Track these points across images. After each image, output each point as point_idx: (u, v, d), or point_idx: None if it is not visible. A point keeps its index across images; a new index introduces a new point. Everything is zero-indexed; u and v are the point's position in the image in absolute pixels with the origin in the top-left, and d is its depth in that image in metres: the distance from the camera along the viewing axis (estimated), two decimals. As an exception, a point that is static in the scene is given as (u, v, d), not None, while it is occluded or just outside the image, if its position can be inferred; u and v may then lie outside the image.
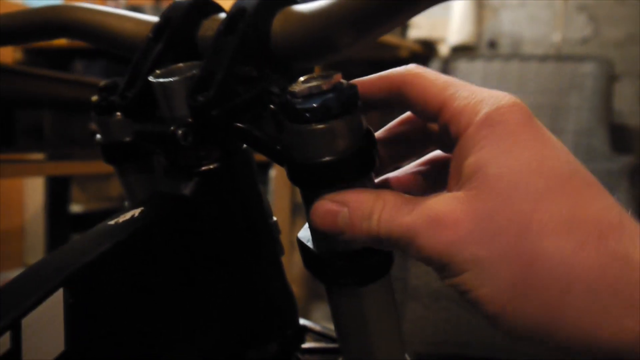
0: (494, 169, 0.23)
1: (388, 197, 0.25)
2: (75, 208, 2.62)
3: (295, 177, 0.26)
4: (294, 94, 0.25)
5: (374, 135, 0.27)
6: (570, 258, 0.21)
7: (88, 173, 1.72)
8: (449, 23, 2.67)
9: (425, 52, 2.65)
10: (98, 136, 0.36)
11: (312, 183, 0.26)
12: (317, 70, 0.28)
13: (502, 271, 0.22)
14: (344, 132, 0.25)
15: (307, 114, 0.24)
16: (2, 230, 2.43)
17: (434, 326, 1.65)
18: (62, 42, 2.65)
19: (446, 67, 2.33)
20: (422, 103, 0.26)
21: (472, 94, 0.25)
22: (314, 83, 0.25)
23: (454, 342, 1.65)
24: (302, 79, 0.25)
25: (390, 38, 2.37)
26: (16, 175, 1.72)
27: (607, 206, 0.22)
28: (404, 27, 2.66)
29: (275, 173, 1.93)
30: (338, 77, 0.25)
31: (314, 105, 0.24)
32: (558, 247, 0.21)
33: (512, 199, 0.22)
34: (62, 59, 2.62)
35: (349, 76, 0.27)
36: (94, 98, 0.35)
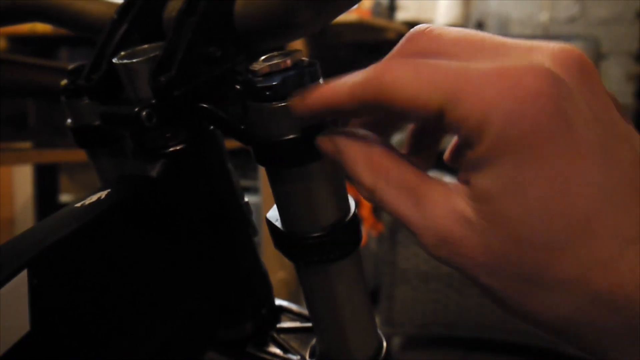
0: (509, 206, 0.19)
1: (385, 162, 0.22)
2: (65, 198, 2.61)
3: (259, 156, 0.26)
4: (254, 73, 0.25)
5: None
6: None
7: (75, 161, 1.71)
8: (436, 4, 2.66)
9: (412, 34, 2.63)
10: (69, 120, 0.36)
11: (276, 161, 0.26)
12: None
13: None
14: None
15: (268, 92, 0.24)
16: (-9, 221, 2.41)
17: (423, 308, 1.67)
18: (46, 29, 2.62)
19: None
20: (411, 115, 0.21)
21: (479, 88, 0.19)
22: (274, 61, 0.25)
23: (443, 323, 1.67)
24: (263, 57, 0.25)
25: (377, 20, 2.35)
26: (2, 163, 1.71)
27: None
28: (391, 9, 2.65)
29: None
30: (299, 55, 0.25)
31: (274, 83, 0.24)
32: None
33: (526, 247, 0.19)
34: (47, 47, 2.59)
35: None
36: (63, 82, 0.35)
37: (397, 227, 1.66)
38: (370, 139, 0.23)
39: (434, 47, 0.22)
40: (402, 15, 2.67)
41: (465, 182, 0.20)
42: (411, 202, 0.21)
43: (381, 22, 2.39)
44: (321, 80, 0.26)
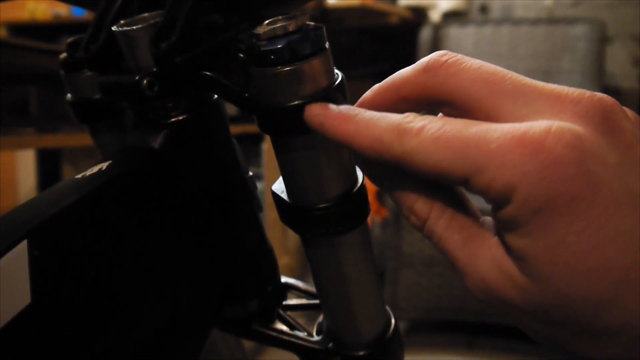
0: (546, 265, 0.19)
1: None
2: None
3: (264, 124, 0.26)
4: (258, 37, 0.24)
5: (345, 82, 0.26)
6: None
7: (77, 146, 1.71)
8: (439, -11, 2.63)
9: (415, 18, 2.62)
10: (68, 95, 0.35)
11: (281, 129, 0.25)
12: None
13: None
14: (312, 75, 0.24)
15: (272, 56, 0.23)
16: (-5, 210, 2.42)
17: (427, 293, 1.66)
18: (47, 17, 2.61)
19: (437, 34, 2.30)
20: (435, 179, 0.21)
21: (502, 157, 0.19)
22: (279, 24, 0.24)
23: (447, 308, 1.67)
24: (267, 21, 0.25)
25: (380, 5, 2.33)
26: (5, 148, 1.71)
27: None
28: (394, -6, 2.62)
29: (268, 146, 1.92)
30: (305, 19, 0.25)
31: (279, 46, 0.23)
32: None
33: (569, 302, 0.19)
34: (47, 34, 2.57)
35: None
36: (62, 56, 0.34)
37: (401, 212, 1.65)
38: None
39: (452, 85, 0.22)
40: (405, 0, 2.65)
41: (502, 238, 0.21)
42: (461, 241, 0.22)
43: (384, 6, 2.37)
44: (327, 45, 0.25)
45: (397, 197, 0.24)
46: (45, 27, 2.62)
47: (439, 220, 0.23)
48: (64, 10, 2.56)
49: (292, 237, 1.87)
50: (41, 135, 1.39)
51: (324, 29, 0.25)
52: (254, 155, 2.09)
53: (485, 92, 0.21)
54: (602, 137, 0.19)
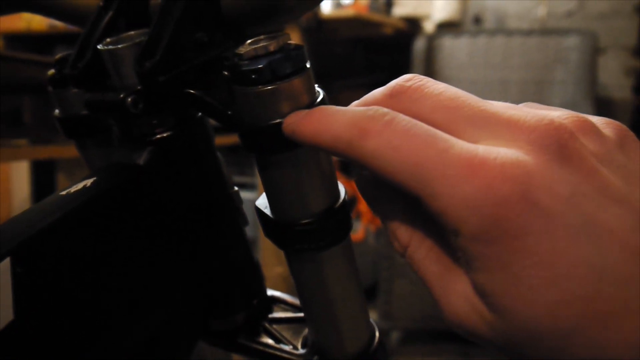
0: (508, 300, 0.19)
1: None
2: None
3: (247, 142, 0.26)
4: (240, 56, 0.24)
5: (326, 98, 0.27)
6: None
7: (71, 157, 1.71)
8: (433, 0, 2.65)
9: (410, 29, 2.63)
10: (56, 111, 0.36)
11: (264, 147, 0.26)
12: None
13: None
14: (293, 94, 0.24)
15: (254, 76, 0.24)
16: (-11, 220, 2.41)
17: (422, 302, 1.66)
18: (42, 27, 2.61)
19: (431, 44, 2.32)
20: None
21: (453, 186, 0.19)
22: (260, 44, 0.24)
23: (442, 317, 1.67)
24: (249, 41, 0.25)
25: (374, 15, 2.35)
26: (-1, 160, 1.71)
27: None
28: (389, 5, 2.64)
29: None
30: (286, 38, 0.25)
31: (260, 66, 0.24)
32: None
33: (537, 336, 0.19)
34: (42, 44, 2.58)
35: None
36: (50, 72, 0.35)
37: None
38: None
39: (414, 111, 0.22)
40: (399, 10, 2.66)
41: (468, 274, 0.21)
42: (437, 272, 0.23)
43: (378, 17, 2.39)
44: (308, 64, 0.25)
45: (384, 221, 0.25)
46: (41, 37, 2.62)
47: (418, 249, 0.23)
48: (59, 20, 2.56)
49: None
50: (35, 146, 1.39)
51: (305, 48, 0.25)
52: (247, 165, 2.10)
53: (444, 118, 0.21)
54: (557, 167, 0.19)
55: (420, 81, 0.23)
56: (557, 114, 0.21)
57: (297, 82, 0.24)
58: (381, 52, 2.82)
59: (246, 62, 0.24)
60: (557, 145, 0.19)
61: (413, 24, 2.68)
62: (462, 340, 1.75)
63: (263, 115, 0.25)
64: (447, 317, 0.22)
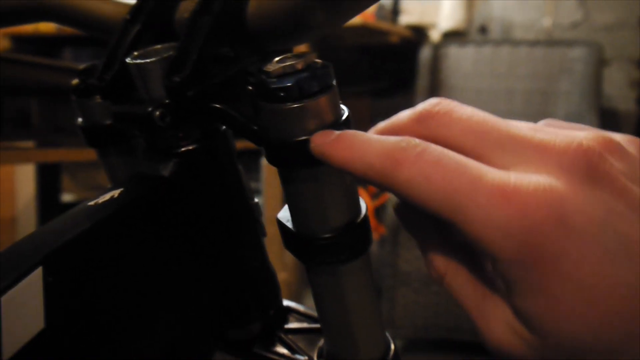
0: (550, 324, 0.20)
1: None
2: (67, 197, 2.62)
3: (272, 157, 0.27)
4: (268, 74, 0.25)
5: (350, 116, 0.27)
6: None
7: (77, 160, 1.71)
8: (439, 9, 2.66)
9: (415, 38, 2.64)
10: (79, 119, 0.36)
11: (288, 162, 0.26)
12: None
13: None
14: (319, 111, 0.25)
15: (282, 93, 0.24)
16: (-7, 220, 2.42)
17: (424, 311, 1.66)
18: (50, 29, 2.62)
19: (437, 53, 2.33)
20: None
21: (486, 212, 0.19)
22: (288, 62, 0.25)
23: (444, 326, 1.67)
24: (276, 59, 0.26)
25: (380, 24, 2.36)
26: (5, 162, 1.71)
27: None
28: (395, 13, 2.65)
29: (267, 162, 1.92)
30: (312, 57, 0.26)
31: (288, 84, 0.24)
32: None
33: (581, 356, 0.20)
34: (50, 46, 2.59)
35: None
36: (74, 82, 0.35)
37: (399, 230, 1.66)
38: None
39: (443, 136, 0.22)
40: (405, 18, 2.67)
41: (508, 300, 0.21)
42: (476, 301, 0.23)
43: (385, 25, 2.40)
44: (334, 82, 0.26)
45: (421, 250, 0.26)
46: (48, 39, 2.63)
47: (455, 278, 0.24)
48: (67, 23, 2.57)
49: (290, 254, 1.87)
50: (42, 149, 1.40)
51: (331, 67, 0.26)
52: (254, 170, 2.10)
53: (474, 142, 0.22)
54: (589, 189, 0.19)
55: (447, 105, 0.23)
56: (583, 135, 0.21)
57: (323, 100, 0.25)
58: (387, 60, 2.83)
59: (274, 79, 0.25)
60: (588, 168, 0.20)
61: (419, 33, 2.69)
62: (464, 350, 1.75)
63: (289, 131, 0.25)
64: (488, 342, 0.22)
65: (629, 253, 0.19)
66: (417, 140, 0.22)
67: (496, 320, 0.22)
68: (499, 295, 0.22)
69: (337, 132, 0.24)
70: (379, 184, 0.23)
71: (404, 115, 0.24)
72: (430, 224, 0.25)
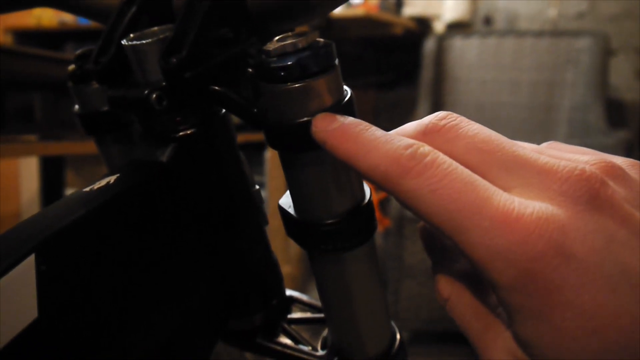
0: (550, 353, 0.20)
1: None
2: (71, 192, 2.62)
3: (272, 139, 0.26)
4: (268, 53, 0.24)
5: (354, 98, 0.26)
6: None
7: (81, 153, 1.71)
8: (443, 0, 2.64)
9: (419, 29, 2.63)
10: (76, 107, 0.35)
11: (290, 145, 0.25)
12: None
13: None
14: (321, 92, 0.24)
15: (282, 73, 0.23)
16: (-2, 215, 2.42)
17: (429, 303, 1.66)
18: (52, 24, 2.62)
19: (441, 44, 2.31)
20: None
21: (488, 237, 0.19)
22: (289, 41, 0.24)
23: (449, 319, 1.66)
24: (277, 38, 0.25)
25: (384, 15, 2.34)
26: (9, 155, 1.71)
27: None
28: (399, 4, 2.63)
29: (270, 154, 1.92)
30: (314, 36, 0.25)
31: (289, 63, 0.23)
32: None
33: None
34: (52, 41, 2.59)
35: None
36: (71, 67, 0.35)
37: (403, 222, 1.65)
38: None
39: (447, 151, 0.22)
40: (409, 10, 2.65)
41: (510, 327, 0.21)
42: (478, 328, 0.23)
43: (388, 17, 2.38)
44: (336, 62, 0.25)
45: (433, 272, 0.26)
46: (51, 34, 2.63)
47: (458, 302, 0.24)
48: (69, 17, 2.57)
49: (294, 246, 1.87)
50: (45, 142, 1.40)
51: (334, 45, 0.25)
52: (257, 164, 2.10)
53: (477, 160, 0.22)
54: (590, 217, 0.19)
55: (453, 120, 0.23)
56: (586, 159, 0.21)
57: (325, 80, 0.24)
58: (391, 52, 2.82)
59: (274, 59, 0.24)
60: (589, 195, 0.19)
61: (423, 24, 2.67)
62: (468, 343, 1.74)
63: (290, 113, 0.24)
64: None
65: (630, 282, 0.18)
66: (427, 148, 0.21)
67: (497, 347, 0.22)
68: (500, 322, 0.22)
69: (340, 119, 0.23)
70: (381, 187, 0.22)
71: (410, 127, 0.24)
72: (442, 246, 0.26)
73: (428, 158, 0.21)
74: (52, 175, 2.29)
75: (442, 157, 0.21)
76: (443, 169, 0.20)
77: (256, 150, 1.99)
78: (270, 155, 1.91)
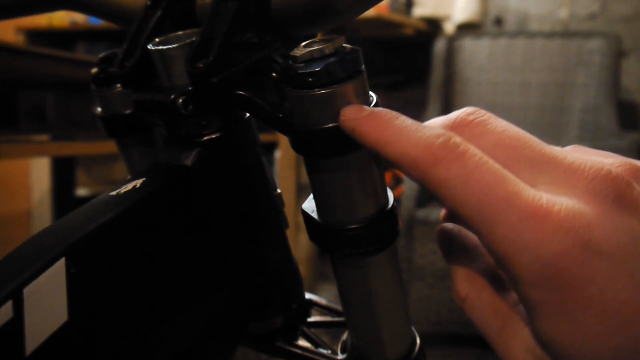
0: (570, 349, 0.20)
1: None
2: (81, 192, 2.63)
3: (298, 144, 0.26)
4: (295, 59, 0.24)
5: (380, 104, 0.26)
6: None
7: (92, 154, 1.72)
8: (454, 1, 2.64)
9: (430, 30, 2.62)
10: (98, 109, 0.36)
11: (315, 151, 0.25)
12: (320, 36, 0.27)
13: None
14: (347, 97, 0.24)
15: (310, 79, 0.24)
16: (9, 215, 2.44)
17: (439, 305, 1.66)
18: (64, 24, 2.64)
19: (451, 45, 2.30)
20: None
21: (514, 231, 0.19)
22: (315, 47, 0.24)
23: (459, 321, 1.66)
24: (303, 43, 0.25)
25: (394, 16, 2.34)
26: (20, 155, 1.72)
27: None
28: (409, 5, 2.63)
29: (281, 154, 1.92)
30: (341, 41, 0.25)
31: (317, 69, 0.23)
32: None
33: None
34: (64, 41, 2.60)
35: None
36: (94, 70, 0.35)
37: (413, 224, 1.64)
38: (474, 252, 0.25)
39: (475, 145, 0.22)
40: (419, 11, 2.65)
41: (530, 325, 0.21)
42: (496, 327, 0.23)
43: (398, 17, 2.38)
44: (363, 68, 0.25)
45: (450, 273, 0.26)
46: (62, 34, 2.65)
47: (476, 302, 0.24)
48: (81, 17, 2.59)
49: (304, 247, 1.87)
50: (56, 142, 1.40)
51: (360, 52, 0.25)
52: (268, 163, 2.10)
53: (505, 156, 0.22)
54: (616, 216, 0.19)
55: (482, 116, 0.23)
56: (611, 162, 0.21)
57: (352, 86, 0.24)
58: (401, 52, 2.81)
59: (301, 64, 0.24)
60: (616, 195, 0.20)
61: (433, 25, 2.67)
62: (478, 345, 1.74)
63: (316, 118, 0.24)
64: None
65: None
66: (459, 139, 0.21)
67: (516, 346, 0.22)
68: (519, 320, 0.22)
69: (369, 109, 0.23)
70: (410, 175, 0.22)
71: (438, 121, 0.24)
72: (461, 247, 0.26)
73: (460, 148, 0.21)
74: (63, 174, 2.30)
75: (474, 149, 0.21)
76: (475, 160, 0.21)
77: (266, 149, 1.99)
78: (281, 155, 1.91)
